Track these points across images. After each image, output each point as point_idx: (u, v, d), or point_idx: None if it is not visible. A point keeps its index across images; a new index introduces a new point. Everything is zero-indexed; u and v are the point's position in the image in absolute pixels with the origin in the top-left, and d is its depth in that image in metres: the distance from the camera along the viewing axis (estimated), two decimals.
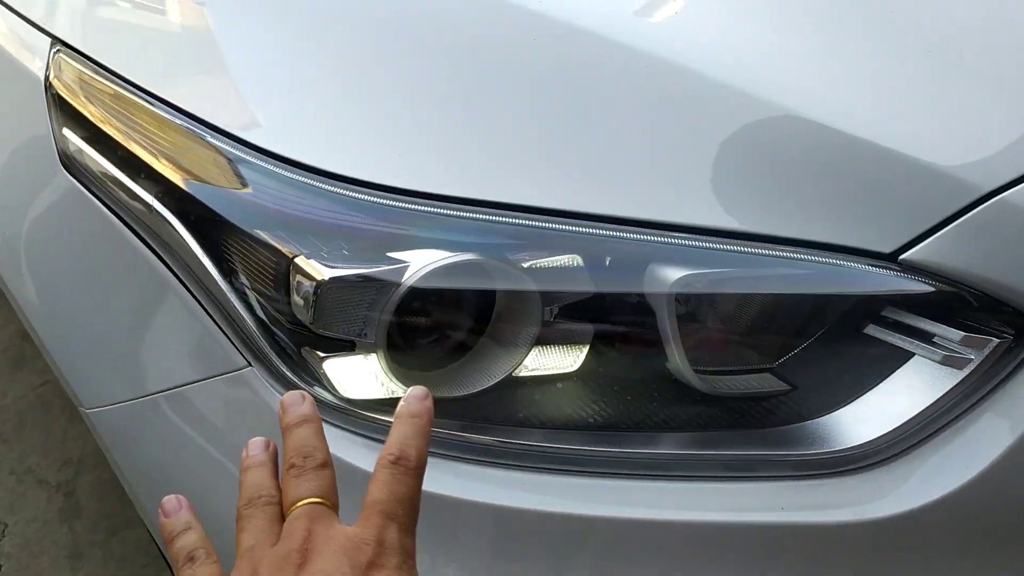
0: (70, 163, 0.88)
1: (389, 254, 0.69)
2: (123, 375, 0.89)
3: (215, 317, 0.77)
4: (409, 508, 0.53)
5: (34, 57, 0.95)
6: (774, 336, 0.72)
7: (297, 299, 0.70)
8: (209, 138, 0.76)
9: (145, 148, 0.81)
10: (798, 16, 0.73)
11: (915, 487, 0.66)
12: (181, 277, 0.79)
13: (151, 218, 0.80)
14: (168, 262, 0.79)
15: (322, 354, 0.71)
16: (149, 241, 0.81)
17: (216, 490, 0.83)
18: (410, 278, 0.67)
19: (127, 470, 0.95)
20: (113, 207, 0.84)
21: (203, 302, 0.78)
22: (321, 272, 0.68)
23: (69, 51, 0.93)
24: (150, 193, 0.80)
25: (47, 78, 0.92)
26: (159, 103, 0.82)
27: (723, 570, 0.70)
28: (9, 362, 2.93)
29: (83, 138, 0.87)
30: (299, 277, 0.69)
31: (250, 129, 0.74)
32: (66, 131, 0.89)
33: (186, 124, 0.79)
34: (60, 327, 0.96)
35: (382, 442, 0.73)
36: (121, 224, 0.83)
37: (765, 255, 0.65)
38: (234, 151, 0.75)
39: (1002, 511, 0.67)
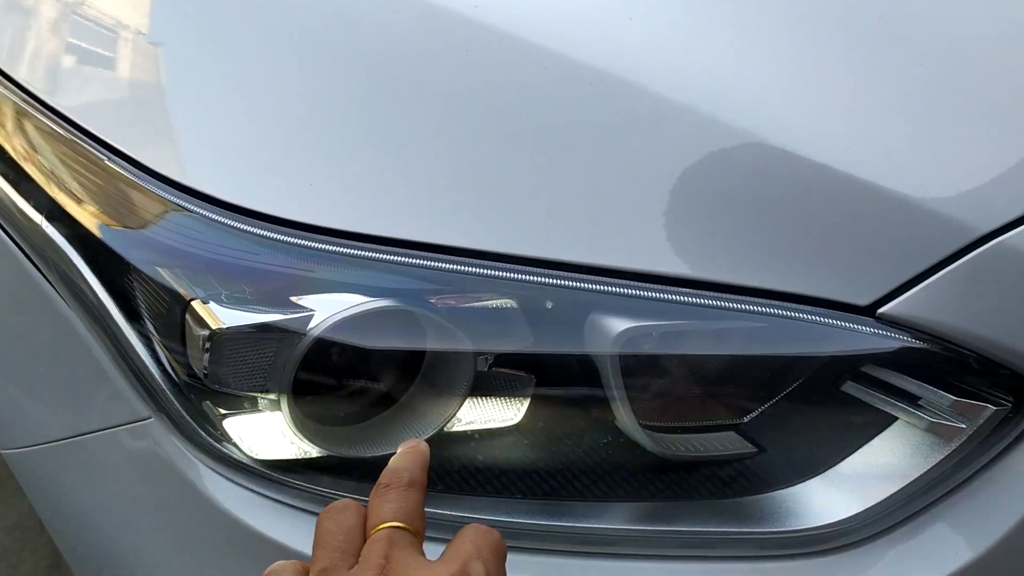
0: None
1: (295, 299, 0.60)
2: (31, 419, 0.81)
3: (118, 363, 0.69)
4: (500, 561, 0.49)
5: None
6: (738, 391, 0.63)
7: (193, 349, 0.62)
8: (108, 161, 0.68)
9: (38, 168, 0.73)
10: (767, 28, 0.64)
11: (914, 567, 0.57)
12: (80, 316, 0.71)
13: (45, 243, 0.71)
14: (66, 298, 0.71)
15: (223, 411, 0.63)
16: (47, 274, 0.73)
17: (122, 540, 0.75)
18: (316, 327, 0.59)
19: (41, 512, 0.88)
20: (9, 232, 0.76)
21: (105, 346, 0.70)
22: (217, 319, 0.60)
23: None
24: (45, 218, 0.72)
25: None
26: (55, 116, 0.74)
27: None
28: None
29: None
30: (194, 324, 0.61)
31: (148, 153, 0.66)
32: None
33: (86, 144, 0.70)
34: None
35: (294, 508, 0.66)
36: (20, 254, 0.75)
37: (722, 307, 0.56)
38: (131, 177, 0.66)
39: None
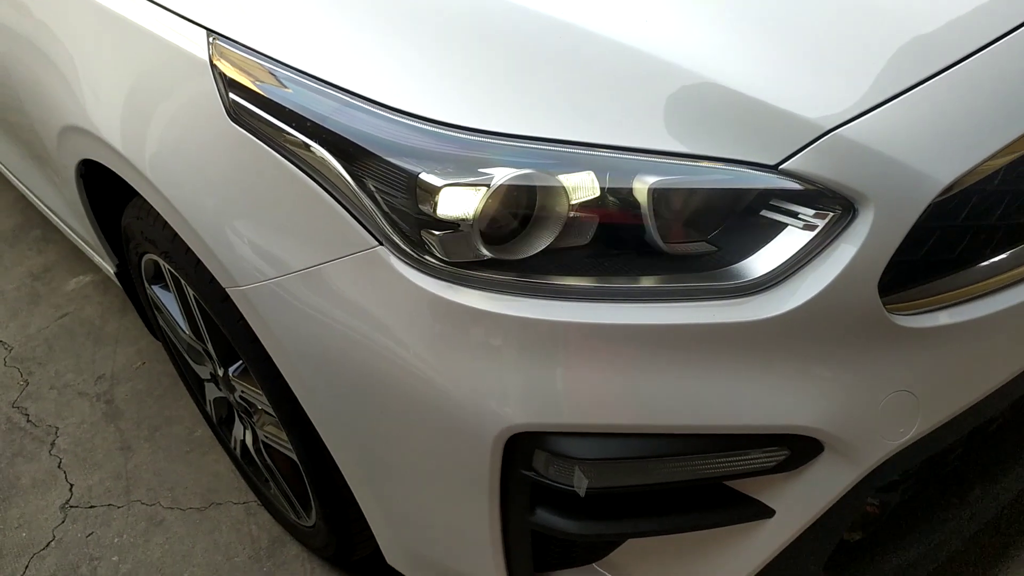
0: (234, 115, 1.31)
1: (480, 170, 1.14)
2: (272, 259, 1.32)
3: (354, 212, 1.22)
4: None
5: (195, 44, 1.36)
6: (707, 219, 1.20)
7: (424, 198, 1.15)
8: (354, 101, 1.20)
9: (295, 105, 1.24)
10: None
11: (794, 296, 1.15)
12: (330, 190, 1.23)
13: (306, 153, 1.23)
14: (318, 180, 1.23)
15: (437, 232, 1.16)
16: (303, 167, 1.24)
17: (344, 351, 1.28)
18: (495, 184, 1.13)
19: (279, 335, 1.38)
20: (274, 146, 1.27)
21: (345, 203, 1.22)
22: (439, 181, 1.13)
23: (222, 38, 1.34)
24: (307, 136, 1.23)
25: (210, 59, 1.34)
26: (303, 74, 1.25)
27: (679, 353, 1.18)
28: (26, 299, 3.26)
29: (246, 99, 1.30)
30: (426, 185, 1.14)
31: (386, 91, 1.18)
32: (231, 95, 1.31)
33: (332, 93, 1.22)
34: (218, 222, 1.39)
35: (471, 288, 1.19)
36: (281, 157, 1.26)
37: (707, 167, 1.13)
38: (374, 109, 1.19)
39: (840, 309, 1.17)
